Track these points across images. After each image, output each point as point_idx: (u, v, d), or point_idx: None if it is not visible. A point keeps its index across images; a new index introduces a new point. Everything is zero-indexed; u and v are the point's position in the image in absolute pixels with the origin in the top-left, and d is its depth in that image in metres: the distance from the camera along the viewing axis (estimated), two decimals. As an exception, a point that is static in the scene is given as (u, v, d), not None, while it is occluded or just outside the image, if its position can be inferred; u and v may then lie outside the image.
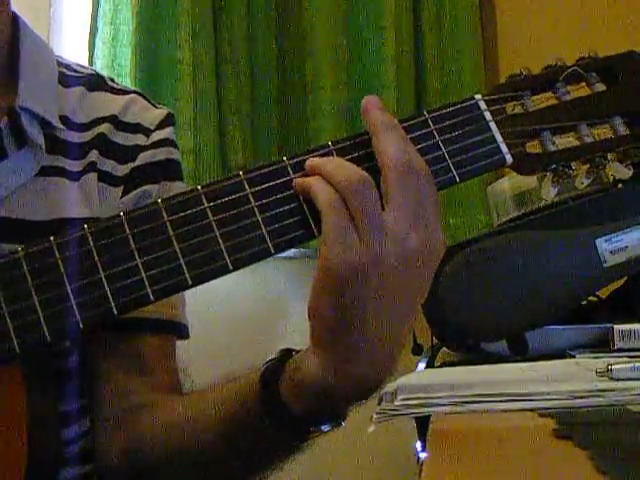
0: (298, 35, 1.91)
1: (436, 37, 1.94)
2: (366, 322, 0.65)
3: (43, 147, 0.85)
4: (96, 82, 0.94)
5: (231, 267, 0.66)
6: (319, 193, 0.66)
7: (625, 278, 1.14)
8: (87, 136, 0.90)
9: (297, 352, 0.73)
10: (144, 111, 0.94)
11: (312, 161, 0.68)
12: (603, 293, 1.17)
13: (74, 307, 0.64)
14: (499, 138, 0.71)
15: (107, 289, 0.65)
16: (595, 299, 1.17)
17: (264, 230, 0.67)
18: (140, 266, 0.65)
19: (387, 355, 0.68)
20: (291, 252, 1.80)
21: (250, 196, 0.67)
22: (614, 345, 1.00)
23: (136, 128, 0.92)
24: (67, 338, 0.79)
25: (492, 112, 0.72)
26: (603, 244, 1.05)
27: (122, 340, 0.88)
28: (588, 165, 0.73)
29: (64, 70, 0.93)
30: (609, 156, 0.73)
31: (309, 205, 0.67)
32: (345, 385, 0.68)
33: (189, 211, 0.67)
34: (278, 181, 0.68)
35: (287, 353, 0.73)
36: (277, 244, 0.67)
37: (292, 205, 0.68)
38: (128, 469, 0.85)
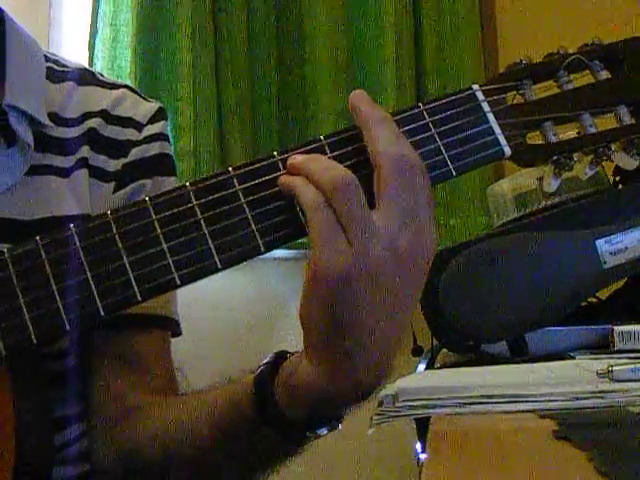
0: (298, 36, 1.91)
1: (436, 39, 1.94)
2: (359, 327, 0.63)
3: (32, 145, 0.83)
4: (85, 76, 0.93)
5: (220, 266, 0.64)
6: (302, 195, 0.63)
7: (625, 279, 1.14)
8: (77, 131, 0.88)
9: (292, 354, 0.71)
10: (135, 105, 0.92)
11: (295, 159, 0.65)
12: (603, 294, 1.17)
13: (60, 308, 0.63)
14: (497, 130, 0.69)
15: (94, 289, 0.63)
16: (595, 300, 1.17)
17: (254, 227, 0.64)
18: (127, 265, 0.64)
19: (383, 358, 0.66)
20: (291, 252, 1.80)
21: (239, 193, 0.65)
22: (614, 346, 1.00)
23: (127, 122, 0.90)
24: (53, 340, 0.77)
25: (490, 102, 0.69)
26: (603, 245, 1.05)
27: (116, 338, 0.86)
28: (592, 156, 0.71)
29: (52, 65, 0.91)
30: (613, 146, 0.70)
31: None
32: (341, 389, 0.66)
33: (177, 209, 0.65)
34: (268, 177, 0.65)
35: (281, 356, 0.71)
36: (267, 242, 0.65)
37: (283, 202, 0.65)
38: (123, 471, 0.84)
